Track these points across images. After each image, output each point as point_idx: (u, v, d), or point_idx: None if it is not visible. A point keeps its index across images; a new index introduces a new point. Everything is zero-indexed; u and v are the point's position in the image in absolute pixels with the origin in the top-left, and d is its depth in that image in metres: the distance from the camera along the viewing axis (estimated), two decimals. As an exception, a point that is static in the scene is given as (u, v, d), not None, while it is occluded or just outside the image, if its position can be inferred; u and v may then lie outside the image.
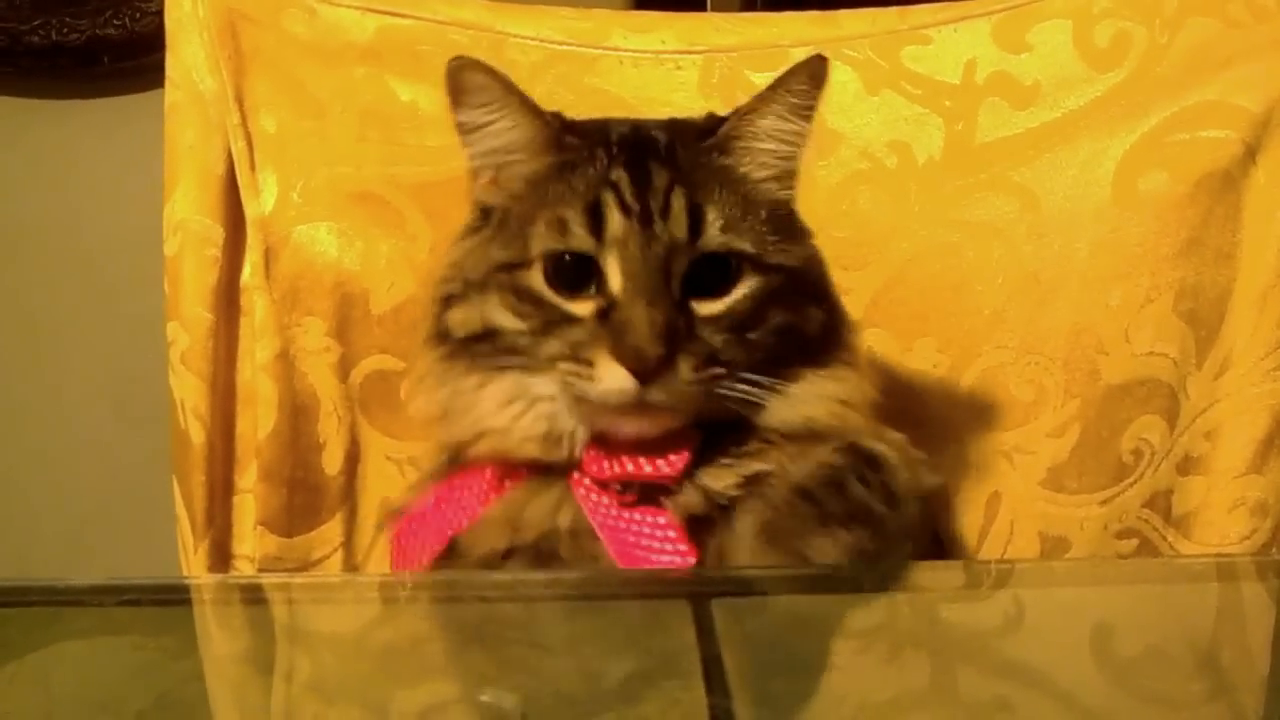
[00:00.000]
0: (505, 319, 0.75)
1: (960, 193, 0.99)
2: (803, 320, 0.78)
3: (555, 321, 0.74)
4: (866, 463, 0.75)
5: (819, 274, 0.81)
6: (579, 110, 1.01)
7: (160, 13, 1.00)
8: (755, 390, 0.74)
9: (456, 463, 0.80)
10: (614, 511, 0.74)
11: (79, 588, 0.63)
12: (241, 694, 0.57)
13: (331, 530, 0.97)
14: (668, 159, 0.76)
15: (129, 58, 1.72)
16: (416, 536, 0.80)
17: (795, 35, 1.04)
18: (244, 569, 0.96)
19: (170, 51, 0.98)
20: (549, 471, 0.77)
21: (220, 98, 0.96)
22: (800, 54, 1.02)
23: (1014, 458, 0.98)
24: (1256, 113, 0.95)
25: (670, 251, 0.73)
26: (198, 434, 0.95)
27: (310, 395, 0.97)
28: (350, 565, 0.98)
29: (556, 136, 0.79)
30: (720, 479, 0.75)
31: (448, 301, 0.79)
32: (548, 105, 1.01)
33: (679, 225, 0.73)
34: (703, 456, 0.75)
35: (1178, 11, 0.97)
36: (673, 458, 0.74)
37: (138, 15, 1.72)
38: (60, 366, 1.68)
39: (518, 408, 0.76)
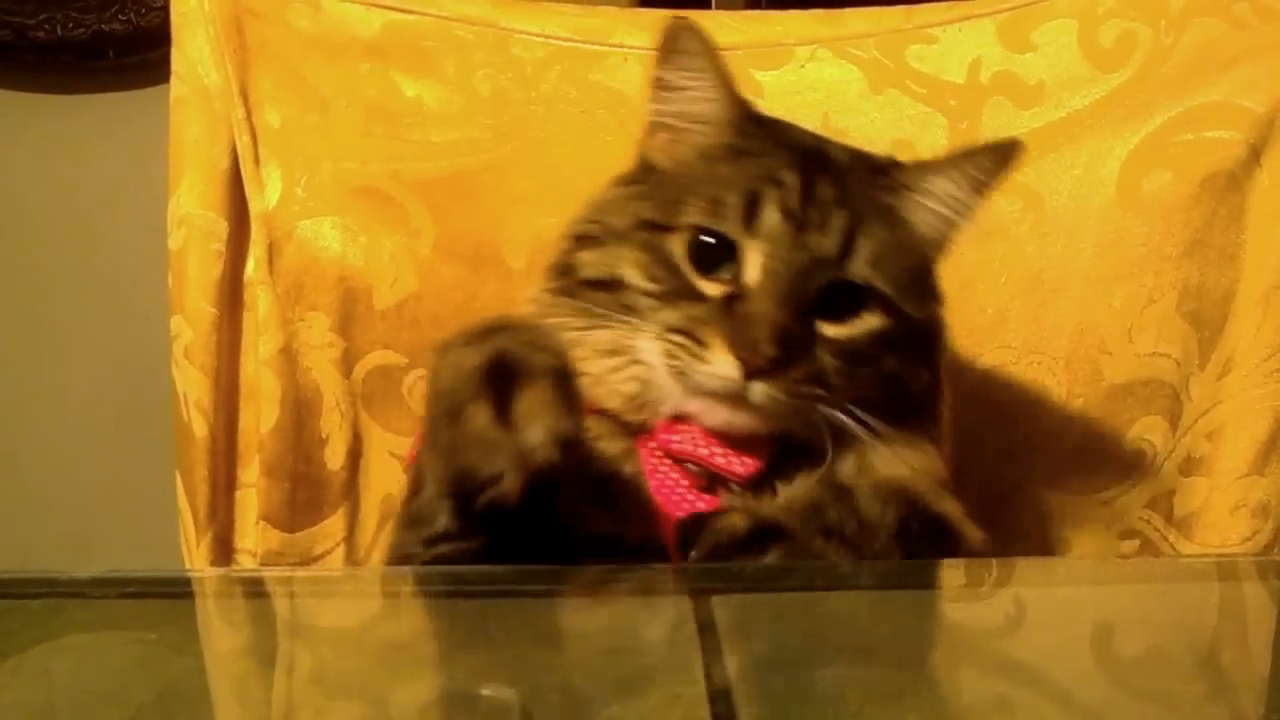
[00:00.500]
0: (634, 275, 0.75)
1: (964, 192, 0.99)
2: (911, 376, 0.77)
3: (682, 293, 0.73)
4: (930, 524, 0.74)
5: (936, 338, 0.81)
6: (584, 105, 1.02)
7: (165, 8, 1.01)
8: (850, 425, 0.73)
9: None
10: (676, 487, 0.74)
11: (81, 580, 0.63)
12: (242, 688, 0.57)
13: (334, 525, 0.97)
14: (838, 179, 0.76)
15: (134, 52, 1.73)
16: None
17: (800, 33, 1.04)
18: (246, 563, 0.96)
19: (175, 46, 0.98)
20: (620, 425, 0.76)
21: (225, 92, 0.96)
22: (805, 52, 1.04)
23: (1017, 458, 0.98)
24: (1261, 114, 0.95)
25: (813, 265, 0.73)
26: (200, 428, 0.95)
27: (313, 390, 0.97)
28: (352, 560, 0.98)
29: (741, 121, 0.79)
30: (772, 502, 0.74)
31: (581, 240, 0.79)
32: (552, 101, 1.02)
33: (830, 244, 0.73)
34: (767, 471, 0.75)
35: (1183, 12, 0.97)
36: (748, 460, 0.74)
37: (143, 10, 1.72)
38: (64, 359, 1.68)
39: (615, 362, 0.76)
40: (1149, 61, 0.98)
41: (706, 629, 0.58)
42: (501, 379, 0.60)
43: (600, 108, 1.02)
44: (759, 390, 0.70)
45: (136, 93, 1.72)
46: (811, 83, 1.03)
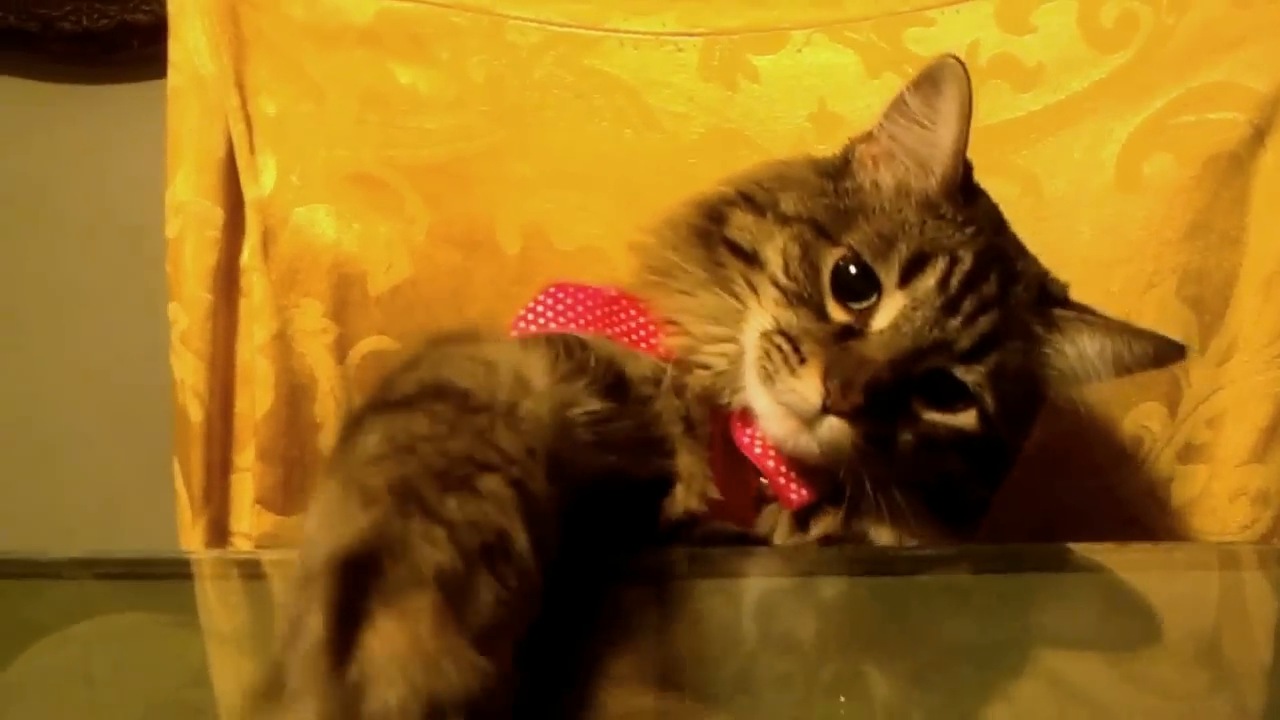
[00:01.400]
0: (776, 261, 0.74)
1: (961, 176, 0.98)
2: (969, 484, 0.76)
3: (806, 303, 0.72)
4: None
5: (1008, 463, 0.78)
6: (578, 91, 1.02)
7: (187, -1, 1.01)
8: (881, 505, 0.72)
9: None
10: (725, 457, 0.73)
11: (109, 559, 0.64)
12: (240, 668, 0.58)
13: (328, 509, 0.98)
14: (1008, 281, 0.74)
15: (157, 43, 1.74)
16: (574, 299, 0.78)
17: (797, 17, 1.03)
18: (241, 546, 0.97)
19: (172, 36, 0.99)
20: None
21: (221, 81, 0.97)
22: (801, 36, 1.03)
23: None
24: (1266, 94, 0.93)
25: (937, 347, 0.71)
26: (196, 413, 0.96)
27: (308, 376, 0.98)
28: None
29: (954, 184, 0.76)
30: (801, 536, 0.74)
31: (745, 199, 0.78)
32: (547, 86, 1.02)
33: (966, 337, 0.71)
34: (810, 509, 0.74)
35: (1185, -9, 0.96)
36: (804, 492, 0.73)
37: (165, 1, 1.74)
38: (89, 345, 1.70)
39: (715, 330, 0.75)
40: (1150, 42, 0.96)
41: (666, 615, 0.58)
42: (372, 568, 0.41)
43: (596, 93, 1.02)
44: (828, 426, 0.69)
45: (159, 82, 1.73)
46: (808, 67, 1.02)
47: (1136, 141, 0.95)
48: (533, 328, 0.77)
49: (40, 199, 1.73)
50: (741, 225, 0.76)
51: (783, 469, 0.73)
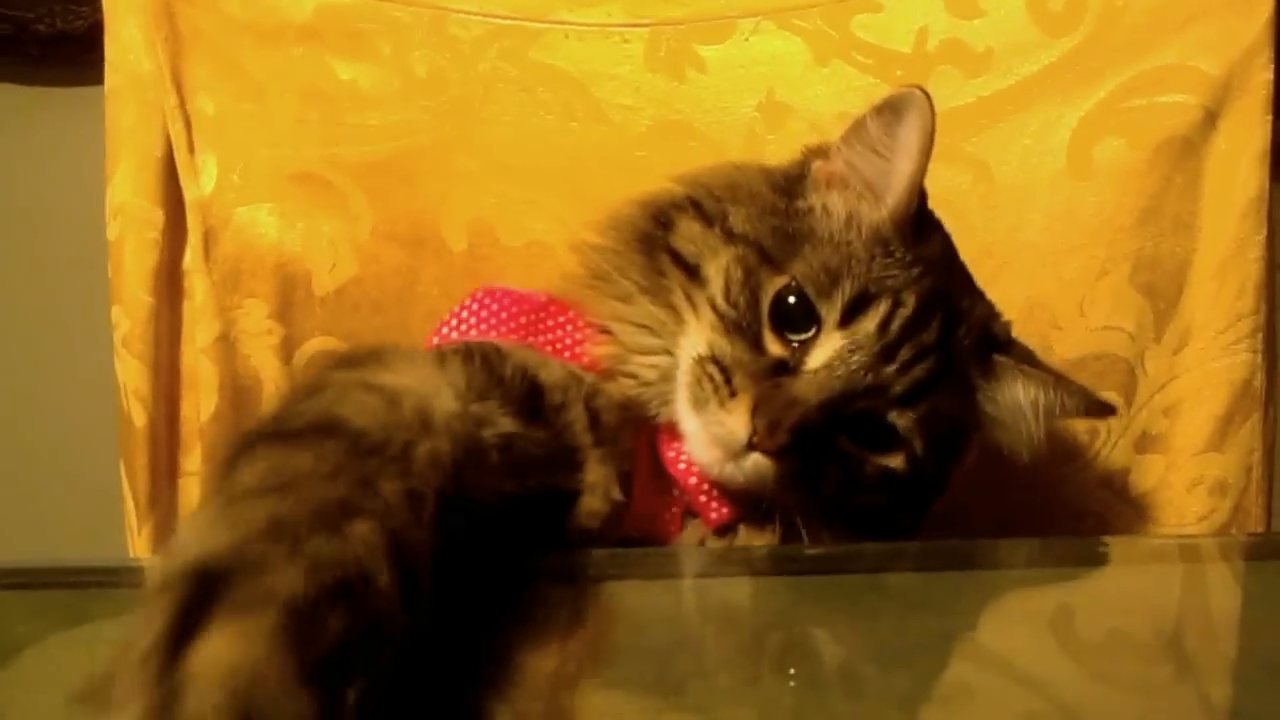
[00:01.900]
0: (717, 283, 0.72)
1: (911, 164, 0.96)
2: (888, 516, 0.74)
3: (744, 331, 0.71)
4: None
5: (934, 494, 0.77)
6: (524, 84, 1.01)
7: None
8: (807, 514, 0.71)
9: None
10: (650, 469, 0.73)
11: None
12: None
13: (276, 512, 0.97)
14: (949, 326, 0.73)
15: (129, 43, 1.73)
16: (500, 304, 0.77)
17: (744, 6, 1.02)
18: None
19: (109, 34, 0.98)
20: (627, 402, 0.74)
21: (158, 80, 0.96)
22: (748, 24, 1.01)
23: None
24: (1216, 76, 0.91)
25: (872, 391, 0.70)
26: (139, 417, 0.95)
27: (253, 377, 0.97)
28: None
29: (906, 221, 0.74)
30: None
31: (695, 206, 0.76)
32: (491, 80, 1.01)
33: (900, 384, 0.70)
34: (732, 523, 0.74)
35: (1135, -28, 0.94)
36: (724, 511, 0.73)
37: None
38: (70, 352, 1.70)
39: (646, 342, 0.74)
40: (1100, 25, 0.94)
41: (600, 613, 0.57)
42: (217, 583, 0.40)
43: (540, 85, 1.00)
44: (752, 463, 0.68)
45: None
46: (756, 56, 1.01)
47: (1087, 126, 0.93)
48: (454, 335, 0.76)
49: (17, 201, 1.73)
50: (688, 235, 0.75)
51: (704, 488, 0.72)
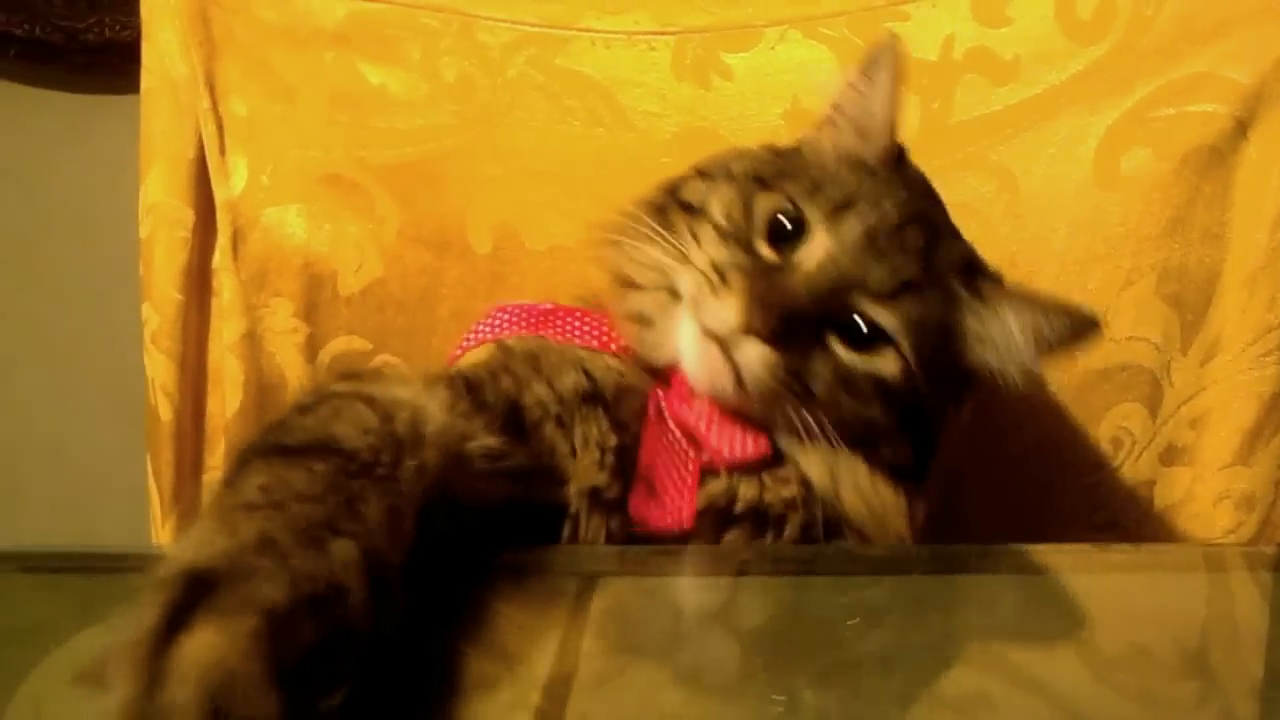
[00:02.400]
0: (717, 209, 0.76)
1: (936, 173, 0.94)
2: (889, 437, 0.75)
3: (739, 241, 0.74)
4: None
5: (935, 431, 0.78)
6: (550, 90, 1.02)
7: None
8: (810, 428, 0.72)
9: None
10: (662, 437, 0.74)
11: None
12: None
13: (298, 509, 0.98)
14: (933, 242, 0.76)
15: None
16: (510, 315, 0.82)
17: (771, 14, 1.02)
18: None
19: (146, 39, 1.00)
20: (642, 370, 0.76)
21: (192, 83, 0.98)
22: (774, 33, 1.02)
23: (986, 445, 0.94)
24: (1247, 85, 0.90)
25: (856, 285, 0.72)
26: (166, 412, 0.96)
27: (277, 375, 0.98)
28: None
29: (887, 150, 0.79)
30: (750, 490, 0.74)
31: (700, 173, 0.82)
32: (518, 86, 1.02)
33: (887, 280, 0.73)
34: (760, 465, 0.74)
35: (1165, -20, 0.93)
36: (734, 446, 0.73)
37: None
38: (104, 348, 1.73)
39: (653, 278, 0.77)
40: (1129, 33, 0.93)
41: (577, 610, 0.57)
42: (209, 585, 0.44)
43: (567, 93, 1.01)
44: (746, 349, 0.70)
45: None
46: (782, 64, 1.01)
47: (1114, 136, 0.92)
48: (471, 346, 0.80)
49: (62, 202, 1.77)
50: (693, 188, 0.80)
51: (713, 430, 0.73)
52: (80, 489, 1.60)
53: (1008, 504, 0.94)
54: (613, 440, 0.72)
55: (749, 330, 0.69)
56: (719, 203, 0.77)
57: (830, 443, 0.72)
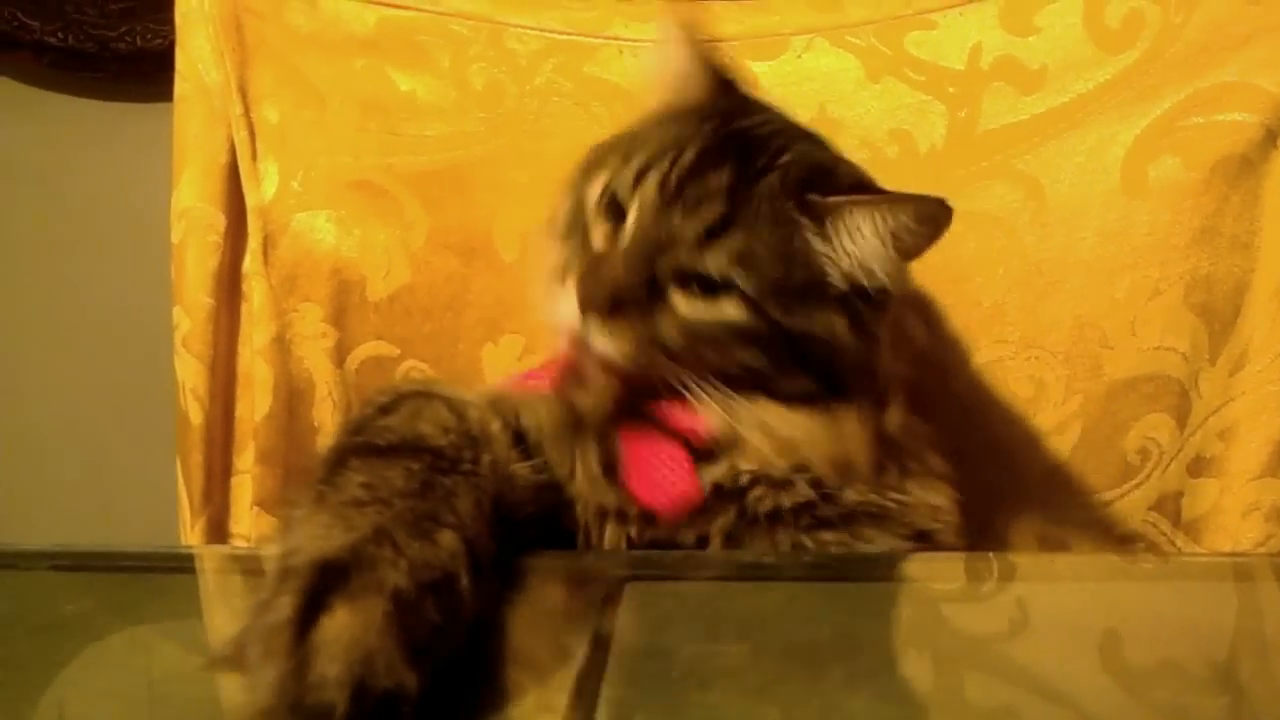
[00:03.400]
0: (561, 213, 0.79)
1: (962, 182, 0.96)
2: (777, 375, 0.74)
3: (578, 236, 0.77)
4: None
5: (827, 353, 0.75)
6: (578, 98, 1.02)
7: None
8: (695, 392, 0.72)
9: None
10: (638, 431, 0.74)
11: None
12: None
13: (325, 513, 0.99)
14: (752, 174, 0.75)
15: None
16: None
17: (798, 22, 1.02)
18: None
19: (179, 46, 1.01)
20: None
21: (224, 89, 0.99)
22: (801, 41, 1.02)
23: (1012, 455, 0.94)
24: (1277, 93, 0.89)
25: (670, 241, 0.73)
26: (196, 415, 0.97)
27: (306, 380, 0.99)
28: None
29: (700, 89, 0.82)
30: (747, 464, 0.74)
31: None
32: (546, 94, 1.03)
33: (693, 227, 0.73)
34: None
35: (1195, -12, 0.93)
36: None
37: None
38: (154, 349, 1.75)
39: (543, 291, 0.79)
40: (1157, 41, 0.93)
41: (606, 613, 0.57)
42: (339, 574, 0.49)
43: (595, 100, 1.02)
44: (594, 335, 0.71)
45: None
46: (808, 72, 1.01)
47: (1142, 144, 0.92)
48: None
49: (94, 208, 1.79)
50: (559, 202, 0.81)
51: (682, 412, 0.74)
52: (111, 490, 1.62)
53: (1035, 516, 0.93)
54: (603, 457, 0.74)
55: (587, 313, 0.71)
56: (561, 207, 0.79)
57: (720, 396, 0.72)
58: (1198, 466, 0.91)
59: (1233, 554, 0.89)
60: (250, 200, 0.99)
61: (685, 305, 0.72)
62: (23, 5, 1.84)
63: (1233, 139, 0.90)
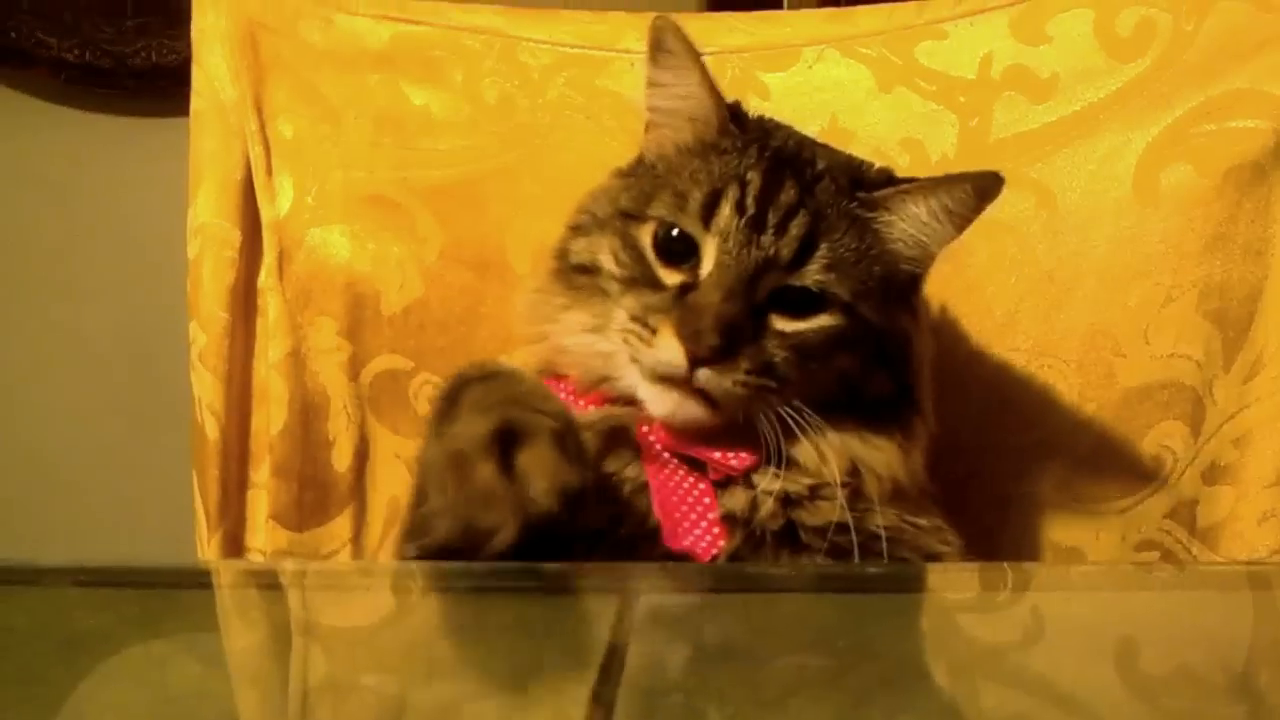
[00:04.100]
0: (608, 260, 0.79)
1: (974, 190, 0.96)
2: (865, 377, 0.78)
3: (644, 280, 0.77)
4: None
5: (903, 348, 0.81)
6: (590, 111, 1.03)
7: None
8: (792, 420, 0.74)
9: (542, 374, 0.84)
10: (666, 472, 0.76)
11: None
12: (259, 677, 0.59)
13: (340, 526, 0.99)
14: (809, 184, 0.78)
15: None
16: None
17: (809, 34, 1.03)
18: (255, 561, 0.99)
19: (195, 63, 1.02)
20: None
21: (240, 105, 1.00)
22: (812, 52, 1.02)
23: (1025, 464, 0.94)
24: (1290, 101, 0.90)
25: (766, 264, 0.74)
26: (212, 429, 0.98)
27: (321, 393, 0.99)
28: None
29: (721, 120, 0.81)
30: (771, 485, 0.75)
31: (575, 229, 0.84)
32: (559, 107, 1.03)
33: (785, 247, 0.75)
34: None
35: (1205, -4, 0.93)
36: (743, 454, 0.76)
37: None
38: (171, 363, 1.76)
39: (588, 339, 0.80)
40: (1169, 50, 0.93)
41: (620, 626, 0.57)
42: (506, 441, 0.66)
43: (607, 113, 1.02)
44: (704, 376, 0.72)
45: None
46: (819, 83, 1.02)
47: (1154, 152, 0.92)
48: None
49: (110, 223, 1.80)
50: (577, 249, 0.82)
51: (712, 448, 0.76)
52: (128, 504, 1.63)
53: (1046, 528, 0.93)
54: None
55: (696, 361, 0.72)
56: (606, 253, 0.79)
57: (808, 421, 0.75)
58: (1213, 474, 0.91)
59: (1249, 562, 0.89)
60: (265, 215, 0.99)
61: (787, 325, 0.75)
62: (41, 23, 1.86)
63: (1245, 146, 0.90)
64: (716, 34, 1.03)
